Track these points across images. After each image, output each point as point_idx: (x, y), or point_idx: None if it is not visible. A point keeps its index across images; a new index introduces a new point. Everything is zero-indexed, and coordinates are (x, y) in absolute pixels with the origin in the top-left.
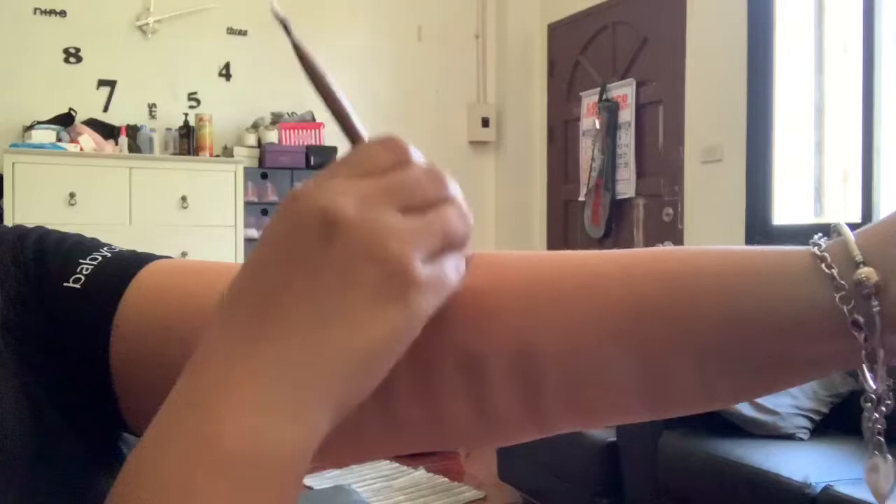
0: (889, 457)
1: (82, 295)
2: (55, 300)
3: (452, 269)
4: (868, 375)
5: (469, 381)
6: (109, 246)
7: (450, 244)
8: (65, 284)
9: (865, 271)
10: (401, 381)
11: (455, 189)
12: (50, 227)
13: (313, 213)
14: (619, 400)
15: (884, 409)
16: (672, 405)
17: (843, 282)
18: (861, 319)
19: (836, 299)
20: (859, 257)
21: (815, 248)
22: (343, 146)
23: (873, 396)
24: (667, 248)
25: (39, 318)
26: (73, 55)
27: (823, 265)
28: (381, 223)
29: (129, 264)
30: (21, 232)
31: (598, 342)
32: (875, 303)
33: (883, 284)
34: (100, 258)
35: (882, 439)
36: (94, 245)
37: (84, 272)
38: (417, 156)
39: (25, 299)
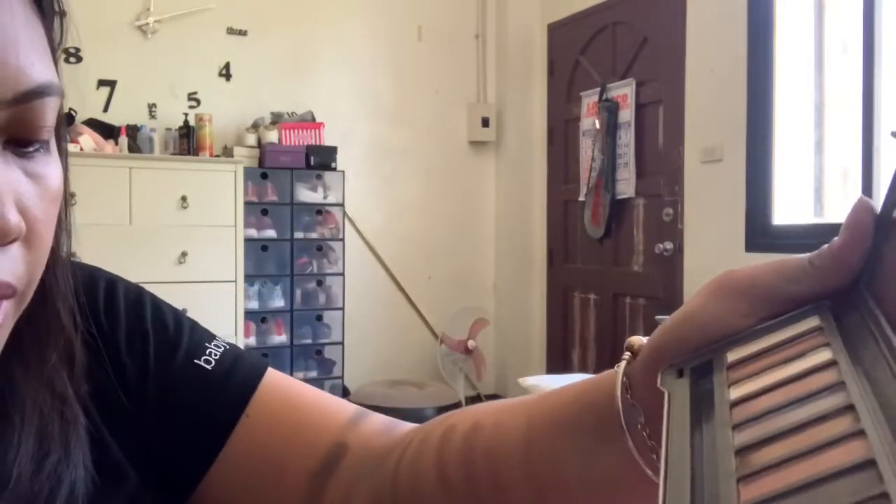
0: None
1: (214, 380)
2: (179, 371)
3: None
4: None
5: (441, 444)
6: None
7: None
8: (195, 361)
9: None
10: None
11: None
12: None
13: None
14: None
15: None
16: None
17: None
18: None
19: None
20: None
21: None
22: (343, 146)
23: None
24: (545, 403)
25: (141, 374)
26: (73, 55)
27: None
28: None
29: (252, 367)
30: (95, 280)
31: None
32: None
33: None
34: (221, 347)
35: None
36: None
37: (213, 356)
38: None
39: (122, 354)
